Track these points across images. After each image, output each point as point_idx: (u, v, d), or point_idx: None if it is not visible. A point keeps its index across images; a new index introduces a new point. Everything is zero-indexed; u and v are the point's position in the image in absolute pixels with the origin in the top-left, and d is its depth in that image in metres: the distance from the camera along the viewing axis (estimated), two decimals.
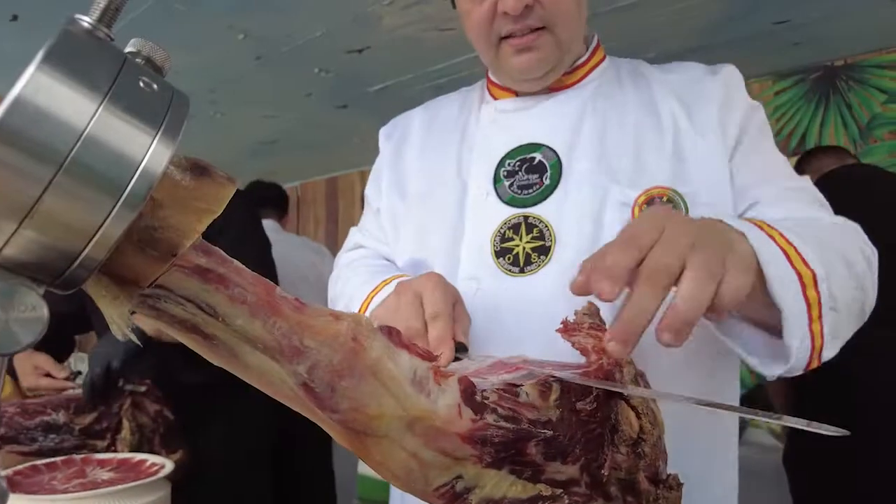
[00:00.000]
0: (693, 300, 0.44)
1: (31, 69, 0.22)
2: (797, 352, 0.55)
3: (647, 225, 0.48)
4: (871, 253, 0.68)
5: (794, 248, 0.56)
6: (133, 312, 0.28)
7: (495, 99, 0.87)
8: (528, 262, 0.74)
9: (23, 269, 0.24)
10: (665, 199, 0.71)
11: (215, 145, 3.38)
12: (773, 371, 0.58)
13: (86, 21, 0.26)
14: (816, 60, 2.48)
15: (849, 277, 0.60)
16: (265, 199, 2.59)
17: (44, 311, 0.23)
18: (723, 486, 0.75)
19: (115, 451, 1.21)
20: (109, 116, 0.24)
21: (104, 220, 0.24)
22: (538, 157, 0.79)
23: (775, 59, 2.46)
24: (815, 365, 0.58)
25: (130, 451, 1.20)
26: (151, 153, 0.25)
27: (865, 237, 0.69)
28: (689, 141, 0.75)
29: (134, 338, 0.27)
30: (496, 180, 0.80)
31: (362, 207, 1.03)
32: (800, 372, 0.57)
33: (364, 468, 2.31)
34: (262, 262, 1.58)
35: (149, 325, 1.13)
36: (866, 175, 1.79)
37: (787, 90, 2.59)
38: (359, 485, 2.40)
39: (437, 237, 0.82)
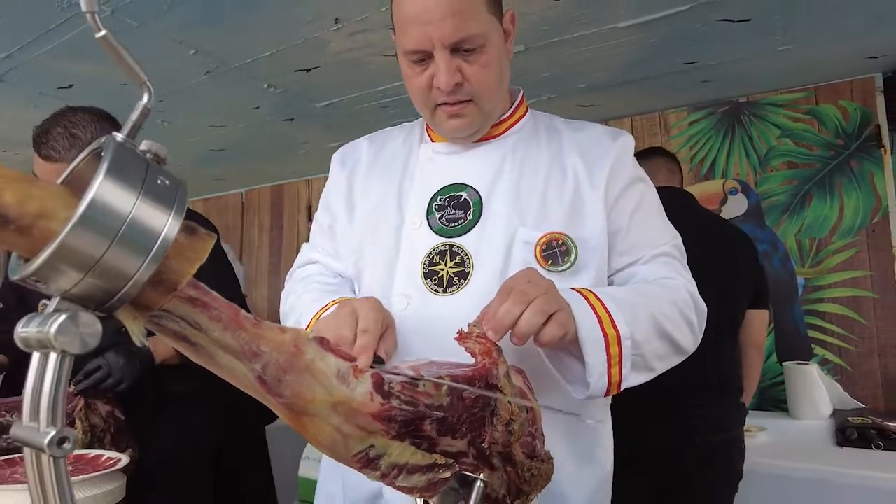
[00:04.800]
0: (527, 322, 0.68)
1: (99, 178, 0.36)
2: (593, 386, 0.76)
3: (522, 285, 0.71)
4: (688, 305, 0.89)
5: (609, 314, 0.77)
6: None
7: (432, 141, 1.01)
8: (450, 283, 0.89)
9: (80, 301, 0.38)
10: (560, 242, 0.88)
11: None
12: (578, 394, 0.79)
13: (120, 137, 0.40)
14: (723, 96, 2.77)
15: (655, 333, 0.82)
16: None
17: (98, 326, 0.36)
18: (594, 476, 0.92)
19: None
20: (143, 205, 0.38)
21: (137, 271, 0.38)
22: (464, 195, 0.94)
23: (689, 93, 2.72)
24: (615, 392, 0.79)
25: (83, 448, 1.28)
26: (168, 227, 0.39)
27: (688, 294, 0.90)
28: (585, 193, 0.92)
29: (147, 344, 0.40)
30: (428, 212, 0.94)
31: (308, 216, 1.16)
32: (600, 396, 0.78)
33: (304, 471, 2.41)
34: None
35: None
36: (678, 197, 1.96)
37: (700, 121, 2.86)
38: (300, 487, 2.49)
39: (375, 256, 0.96)
